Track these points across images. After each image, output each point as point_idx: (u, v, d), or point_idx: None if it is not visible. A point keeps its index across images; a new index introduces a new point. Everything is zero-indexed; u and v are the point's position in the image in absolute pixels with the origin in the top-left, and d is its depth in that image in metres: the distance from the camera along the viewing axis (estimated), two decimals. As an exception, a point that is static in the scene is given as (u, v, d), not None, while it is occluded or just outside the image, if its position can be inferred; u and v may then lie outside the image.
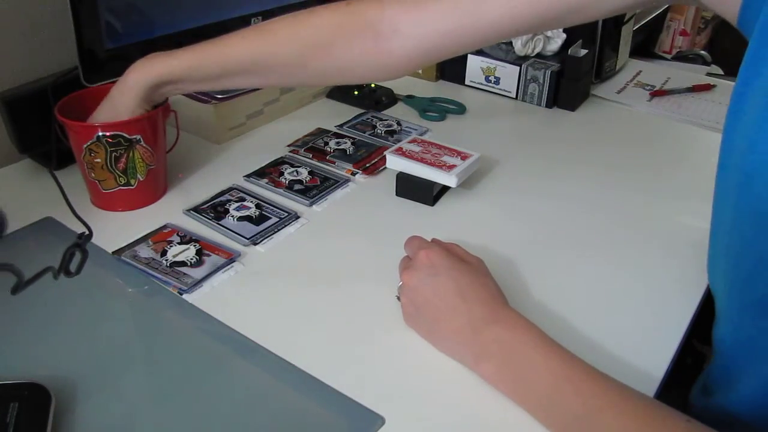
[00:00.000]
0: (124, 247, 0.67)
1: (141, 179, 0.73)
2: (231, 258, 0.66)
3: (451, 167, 0.75)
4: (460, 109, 1.01)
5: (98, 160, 0.70)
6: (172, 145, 0.78)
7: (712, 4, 0.53)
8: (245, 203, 0.75)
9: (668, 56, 1.47)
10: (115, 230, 0.70)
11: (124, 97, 0.68)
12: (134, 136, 0.70)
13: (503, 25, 0.60)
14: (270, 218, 0.73)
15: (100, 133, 0.68)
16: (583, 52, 1.02)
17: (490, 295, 0.54)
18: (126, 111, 0.69)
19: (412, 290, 0.56)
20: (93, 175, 0.71)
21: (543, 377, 0.48)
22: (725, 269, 0.52)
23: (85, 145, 0.69)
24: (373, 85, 1.04)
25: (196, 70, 0.68)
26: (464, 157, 0.77)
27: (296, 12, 0.67)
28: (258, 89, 0.92)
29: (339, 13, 0.65)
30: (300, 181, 0.80)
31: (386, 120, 0.96)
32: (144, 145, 0.71)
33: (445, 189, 0.79)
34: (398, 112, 1.01)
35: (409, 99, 1.04)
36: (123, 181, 0.72)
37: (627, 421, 0.44)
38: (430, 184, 0.76)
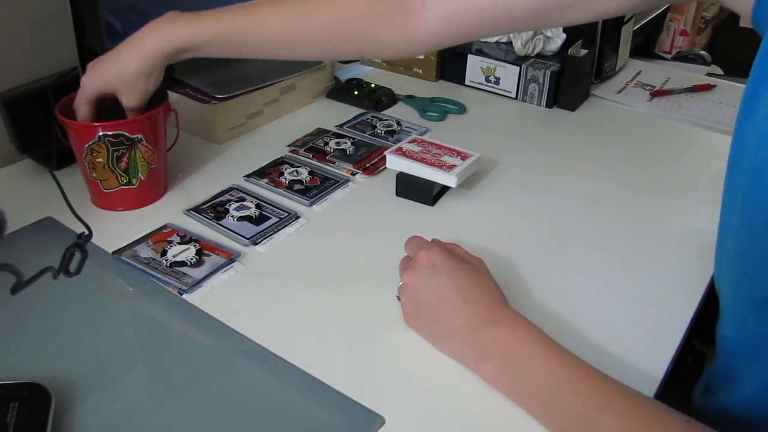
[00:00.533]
0: (124, 247, 0.67)
1: (142, 178, 0.73)
2: (231, 258, 0.66)
3: (451, 167, 0.75)
4: (460, 109, 1.01)
5: (100, 159, 0.70)
6: (172, 144, 0.78)
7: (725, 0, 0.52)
8: (245, 203, 0.75)
9: (668, 56, 1.47)
10: (115, 230, 0.70)
11: (137, 62, 0.65)
12: (136, 136, 0.70)
13: (523, 9, 0.59)
14: (270, 218, 0.73)
15: (101, 133, 0.68)
16: (583, 52, 1.02)
17: (491, 295, 0.54)
18: (138, 77, 0.66)
19: (412, 290, 0.56)
20: (94, 174, 0.71)
21: (542, 377, 0.48)
22: (732, 267, 0.52)
23: (86, 145, 0.69)
24: (373, 85, 1.04)
25: (223, 40, 0.65)
26: (464, 157, 0.77)
27: None
28: (257, 89, 0.92)
29: None
30: (300, 181, 0.80)
31: (386, 120, 0.96)
32: (146, 144, 0.71)
33: (445, 189, 0.79)
34: (398, 112, 1.01)
35: (409, 99, 1.04)
36: (124, 181, 0.72)
37: (626, 422, 0.44)
38: (430, 184, 0.76)
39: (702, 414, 0.44)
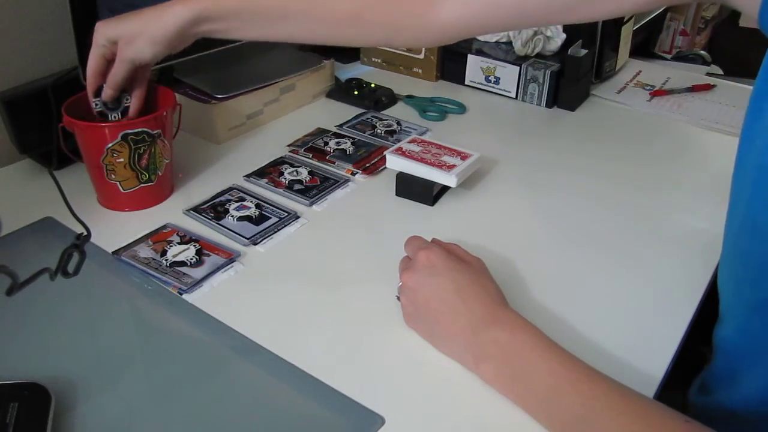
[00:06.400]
0: (124, 247, 0.67)
1: (160, 174, 0.73)
2: (231, 258, 0.66)
3: (451, 167, 0.75)
4: (460, 109, 1.01)
5: (121, 159, 0.69)
6: (173, 136, 0.78)
7: (732, 1, 0.52)
8: (245, 203, 0.75)
9: (668, 56, 1.47)
10: (115, 230, 0.70)
11: (160, 23, 0.64)
12: (156, 131, 0.70)
13: (537, 4, 0.60)
14: (270, 218, 0.73)
15: (124, 132, 0.68)
16: (583, 52, 1.02)
17: (490, 296, 0.54)
18: (159, 37, 0.64)
19: (411, 291, 0.56)
20: (113, 176, 0.71)
21: (542, 378, 0.48)
22: (735, 268, 0.52)
23: (108, 146, 0.68)
24: (373, 85, 1.04)
25: (244, 13, 0.65)
26: (464, 157, 0.77)
27: None
28: (257, 89, 0.92)
29: None
30: (300, 181, 0.80)
31: (386, 120, 0.96)
32: (163, 139, 0.71)
33: (445, 189, 0.79)
34: (398, 112, 1.01)
35: (409, 99, 1.04)
36: (145, 178, 0.72)
37: (626, 422, 0.44)
38: (430, 184, 0.76)
39: (698, 413, 0.44)
